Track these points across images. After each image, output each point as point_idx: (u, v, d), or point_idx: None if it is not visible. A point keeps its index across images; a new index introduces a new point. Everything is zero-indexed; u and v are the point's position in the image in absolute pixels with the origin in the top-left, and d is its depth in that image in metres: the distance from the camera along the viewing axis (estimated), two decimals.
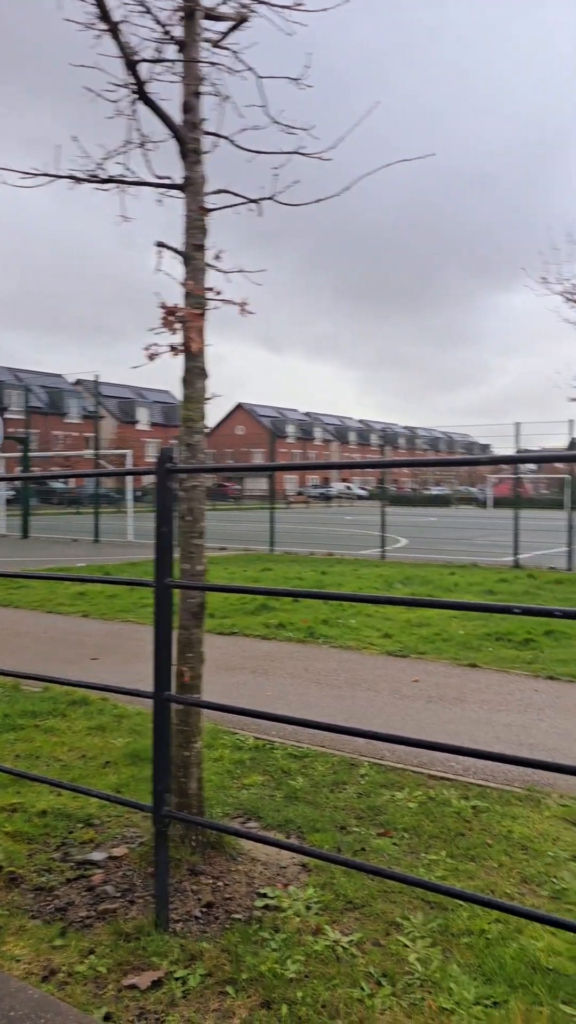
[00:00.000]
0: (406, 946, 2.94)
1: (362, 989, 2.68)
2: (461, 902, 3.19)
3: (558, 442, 17.56)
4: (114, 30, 3.71)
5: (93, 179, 3.95)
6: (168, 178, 3.87)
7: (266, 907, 3.21)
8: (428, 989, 2.68)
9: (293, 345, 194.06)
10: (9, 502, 29.32)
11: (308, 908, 3.19)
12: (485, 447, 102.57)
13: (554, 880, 3.43)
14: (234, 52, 4.02)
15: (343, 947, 2.92)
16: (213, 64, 4.00)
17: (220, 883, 3.41)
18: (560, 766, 2.40)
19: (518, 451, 17.82)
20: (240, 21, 3.93)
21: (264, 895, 3.29)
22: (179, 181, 3.78)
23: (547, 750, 5.12)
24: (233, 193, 3.90)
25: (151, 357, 3.77)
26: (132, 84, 3.84)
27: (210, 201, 3.79)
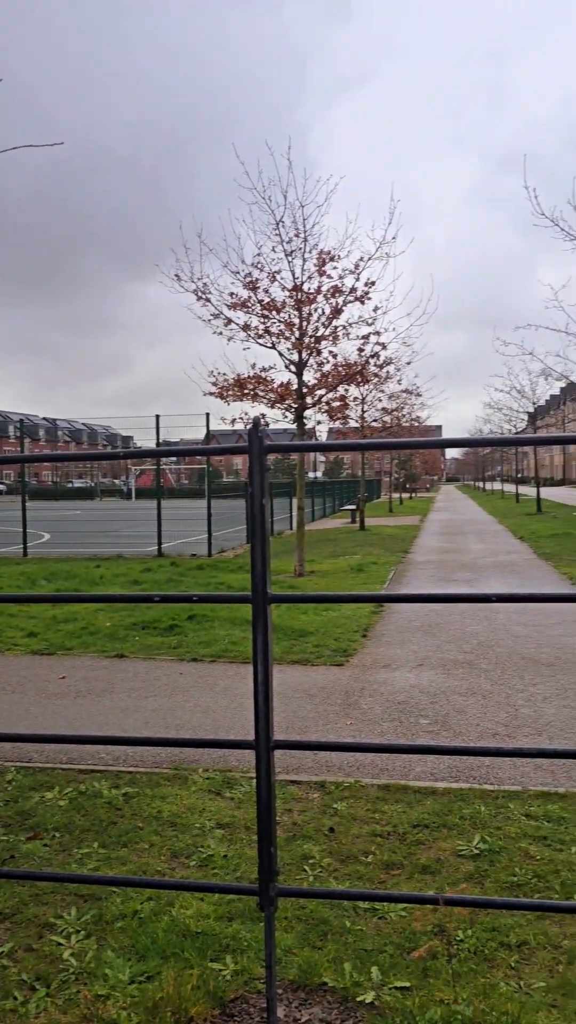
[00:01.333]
0: (60, 944, 2.92)
1: (15, 999, 2.61)
2: (114, 888, 3.25)
3: (196, 434, 18.33)
4: None
5: None
6: None
7: None
8: (84, 981, 2.70)
9: None
10: None
11: None
12: (128, 439, 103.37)
13: (201, 849, 3.64)
14: None
15: None
16: None
17: None
18: (201, 741, 2.57)
19: (159, 444, 18.27)
20: None
21: None
22: None
23: (192, 728, 5.38)
24: None
25: None
26: None
27: None
